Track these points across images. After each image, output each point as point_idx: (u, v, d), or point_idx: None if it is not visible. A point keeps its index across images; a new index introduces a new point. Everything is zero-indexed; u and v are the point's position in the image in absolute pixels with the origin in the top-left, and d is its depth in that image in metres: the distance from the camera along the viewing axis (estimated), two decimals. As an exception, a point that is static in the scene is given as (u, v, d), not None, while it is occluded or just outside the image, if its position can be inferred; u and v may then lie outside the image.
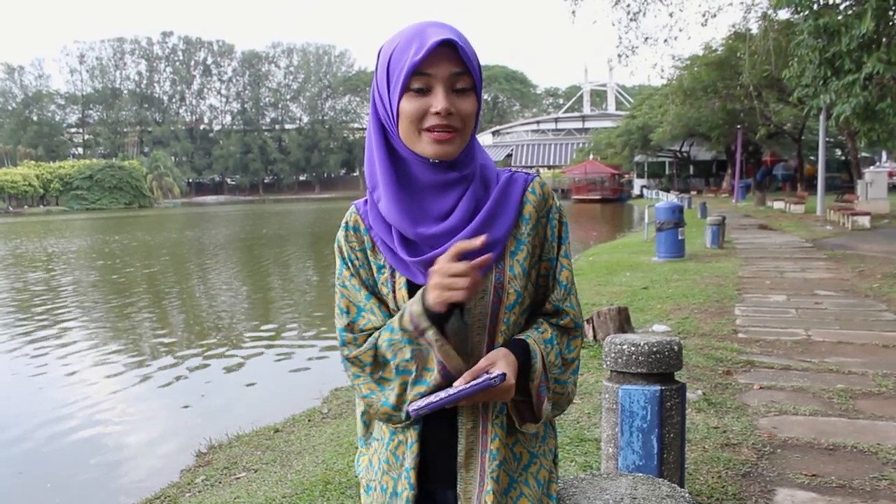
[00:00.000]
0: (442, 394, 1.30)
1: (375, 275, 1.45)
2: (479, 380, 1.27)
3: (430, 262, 1.34)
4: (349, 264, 1.46)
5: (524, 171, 1.50)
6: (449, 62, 1.31)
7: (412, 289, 1.39)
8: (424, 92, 1.31)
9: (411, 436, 1.43)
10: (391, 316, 1.41)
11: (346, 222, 1.48)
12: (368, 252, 1.45)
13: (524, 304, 1.45)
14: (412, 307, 1.33)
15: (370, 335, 1.42)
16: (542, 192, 1.45)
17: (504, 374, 1.27)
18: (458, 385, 1.29)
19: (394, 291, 1.42)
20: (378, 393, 1.41)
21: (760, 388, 4.98)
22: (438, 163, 1.36)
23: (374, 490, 1.49)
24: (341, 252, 1.48)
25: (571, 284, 1.48)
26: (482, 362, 1.33)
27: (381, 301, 1.44)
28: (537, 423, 1.43)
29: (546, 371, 1.40)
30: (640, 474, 2.02)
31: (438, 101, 1.30)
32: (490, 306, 1.38)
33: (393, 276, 1.42)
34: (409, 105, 1.32)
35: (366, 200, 1.47)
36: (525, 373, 1.39)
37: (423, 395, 1.35)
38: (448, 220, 1.36)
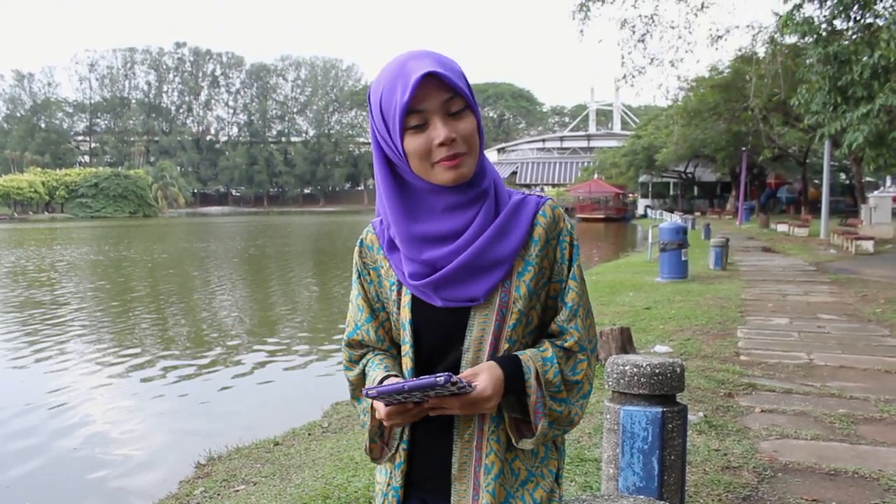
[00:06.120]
0: (396, 383, 1.29)
1: (388, 291, 1.50)
2: (427, 377, 1.24)
3: (438, 283, 1.39)
4: (360, 279, 1.55)
5: (534, 192, 1.52)
6: (437, 91, 1.32)
7: (415, 305, 1.44)
8: (423, 127, 1.34)
9: (400, 455, 1.49)
10: (384, 339, 1.53)
11: (362, 240, 1.55)
12: (381, 270, 1.51)
13: (530, 325, 1.47)
14: (368, 422, 1.51)
15: (364, 355, 1.56)
16: (552, 215, 1.46)
17: (449, 376, 1.23)
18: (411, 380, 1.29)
19: (399, 309, 1.47)
20: (356, 406, 1.59)
21: (762, 411, 4.97)
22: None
23: (378, 496, 1.56)
24: (356, 267, 1.56)
25: (578, 307, 1.47)
26: (466, 373, 1.36)
27: (380, 325, 1.54)
28: (533, 440, 1.43)
29: (542, 388, 1.40)
30: (641, 496, 2.03)
31: (439, 133, 1.33)
32: (493, 324, 1.41)
33: (399, 293, 1.47)
34: (412, 143, 1.34)
35: (381, 220, 1.51)
36: (519, 389, 1.40)
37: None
38: (458, 240, 1.39)
